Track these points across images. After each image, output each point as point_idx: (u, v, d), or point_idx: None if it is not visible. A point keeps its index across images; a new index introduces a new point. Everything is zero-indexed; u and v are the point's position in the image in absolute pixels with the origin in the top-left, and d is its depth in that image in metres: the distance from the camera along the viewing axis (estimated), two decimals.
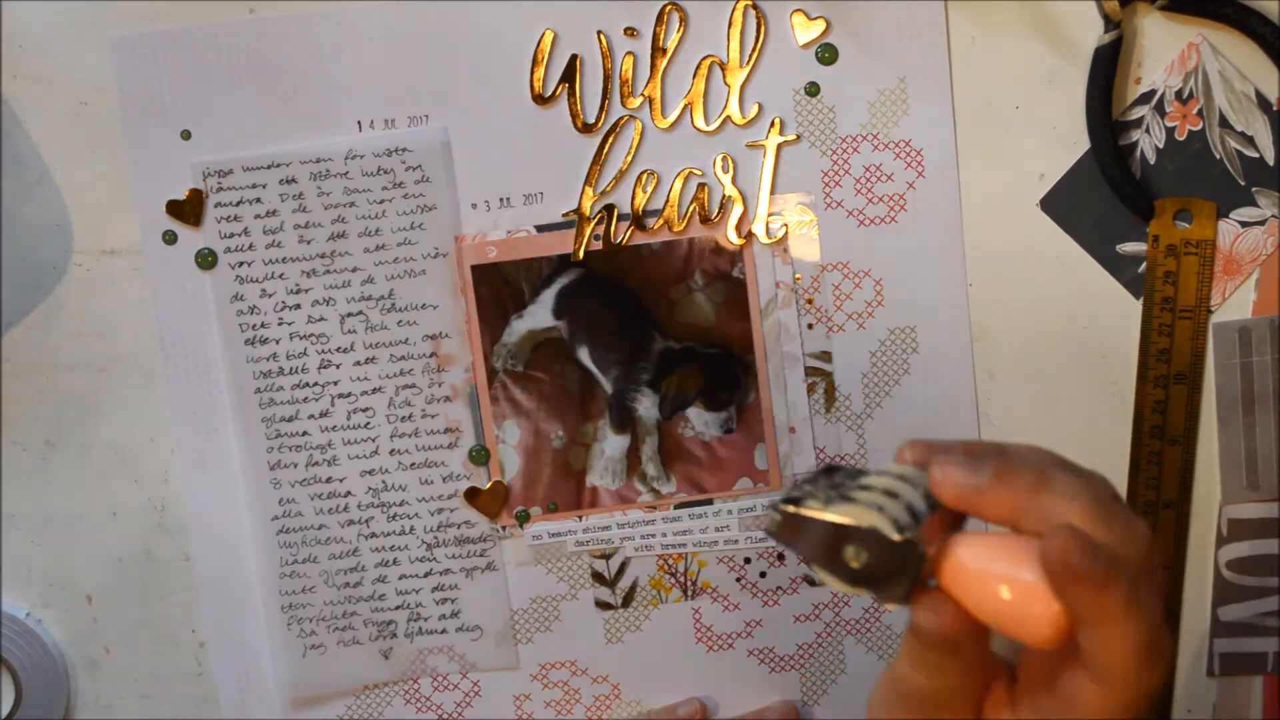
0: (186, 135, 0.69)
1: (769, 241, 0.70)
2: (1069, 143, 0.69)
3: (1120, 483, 0.71)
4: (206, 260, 0.70)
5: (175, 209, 0.70)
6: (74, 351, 0.72)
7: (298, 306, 0.71)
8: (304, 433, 0.72)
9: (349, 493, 0.72)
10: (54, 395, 0.73)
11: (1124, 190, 0.68)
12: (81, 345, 0.72)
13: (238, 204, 0.70)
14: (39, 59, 0.69)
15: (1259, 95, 0.68)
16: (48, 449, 0.73)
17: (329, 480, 0.72)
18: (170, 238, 0.70)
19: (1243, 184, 0.69)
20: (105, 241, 0.71)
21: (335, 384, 0.71)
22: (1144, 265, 0.70)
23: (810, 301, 0.71)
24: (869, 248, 0.70)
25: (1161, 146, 0.69)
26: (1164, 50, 0.68)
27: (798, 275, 0.70)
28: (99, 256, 0.71)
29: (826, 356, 0.71)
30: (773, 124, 0.68)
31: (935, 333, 0.71)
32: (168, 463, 0.73)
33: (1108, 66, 0.67)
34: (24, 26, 0.68)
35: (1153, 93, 0.68)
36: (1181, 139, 0.68)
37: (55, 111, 0.69)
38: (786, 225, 0.70)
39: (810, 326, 0.71)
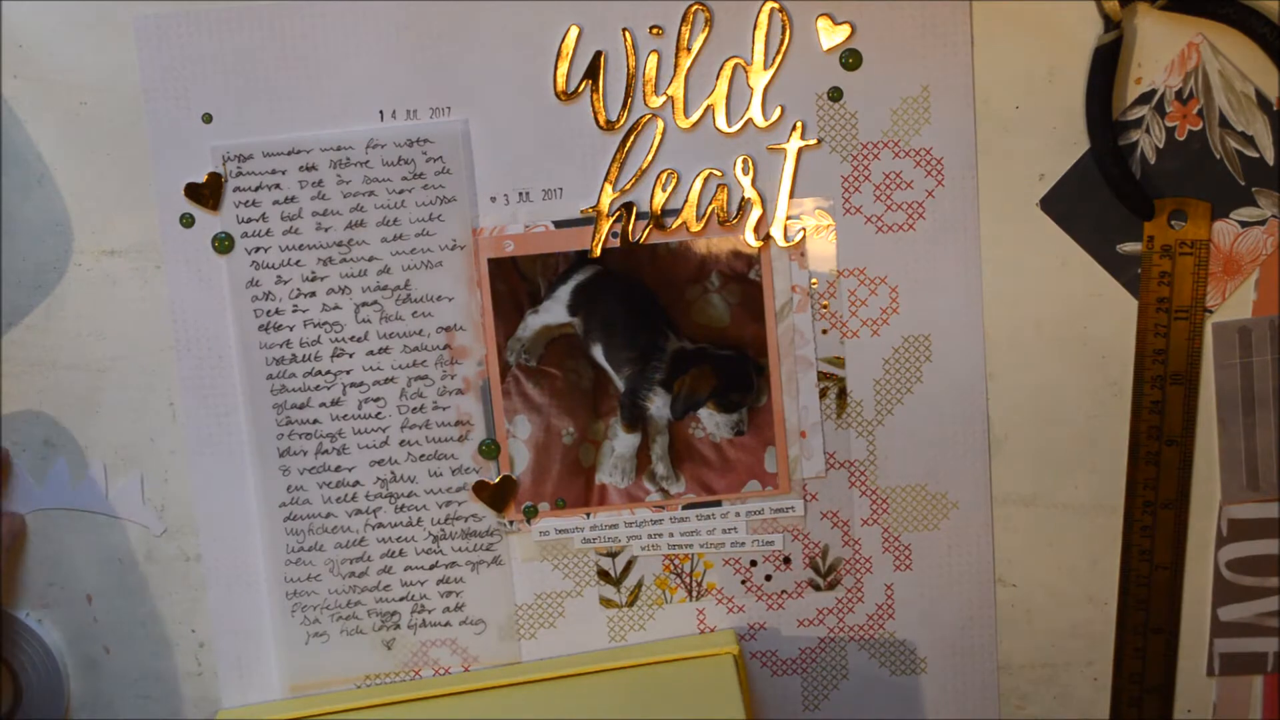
0: (208, 118, 0.69)
1: (786, 245, 0.71)
2: (1069, 143, 0.69)
3: (1119, 483, 0.73)
4: (223, 244, 0.70)
5: (193, 192, 0.70)
6: (74, 351, 0.71)
7: (313, 294, 0.70)
8: (314, 420, 0.71)
9: (358, 482, 0.72)
10: (54, 395, 0.72)
11: (1124, 190, 0.69)
12: (81, 345, 0.71)
13: (256, 189, 0.70)
14: (39, 59, 0.68)
15: (1259, 95, 0.69)
16: (48, 449, 0.72)
17: (338, 469, 0.72)
18: (187, 220, 0.70)
19: (1243, 184, 0.69)
20: (105, 241, 0.70)
21: (348, 373, 0.71)
22: None
23: (825, 306, 0.71)
24: (886, 255, 0.71)
25: (1161, 146, 0.69)
26: (1164, 50, 0.69)
27: (814, 280, 0.71)
28: (99, 256, 0.70)
29: (840, 362, 0.72)
30: (794, 128, 0.69)
31: (950, 342, 0.71)
32: (168, 463, 0.72)
33: (1108, 66, 0.67)
34: (24, 26, 0.68)
35: (1153, 93, 0.69)
36: (1181, 139, 0.69)
37: (55, 111, 0.69)
38: (804, 229, 0.70)
39: (825, 331, 0.72)
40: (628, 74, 0.69)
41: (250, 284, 0.70)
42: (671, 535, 0.73)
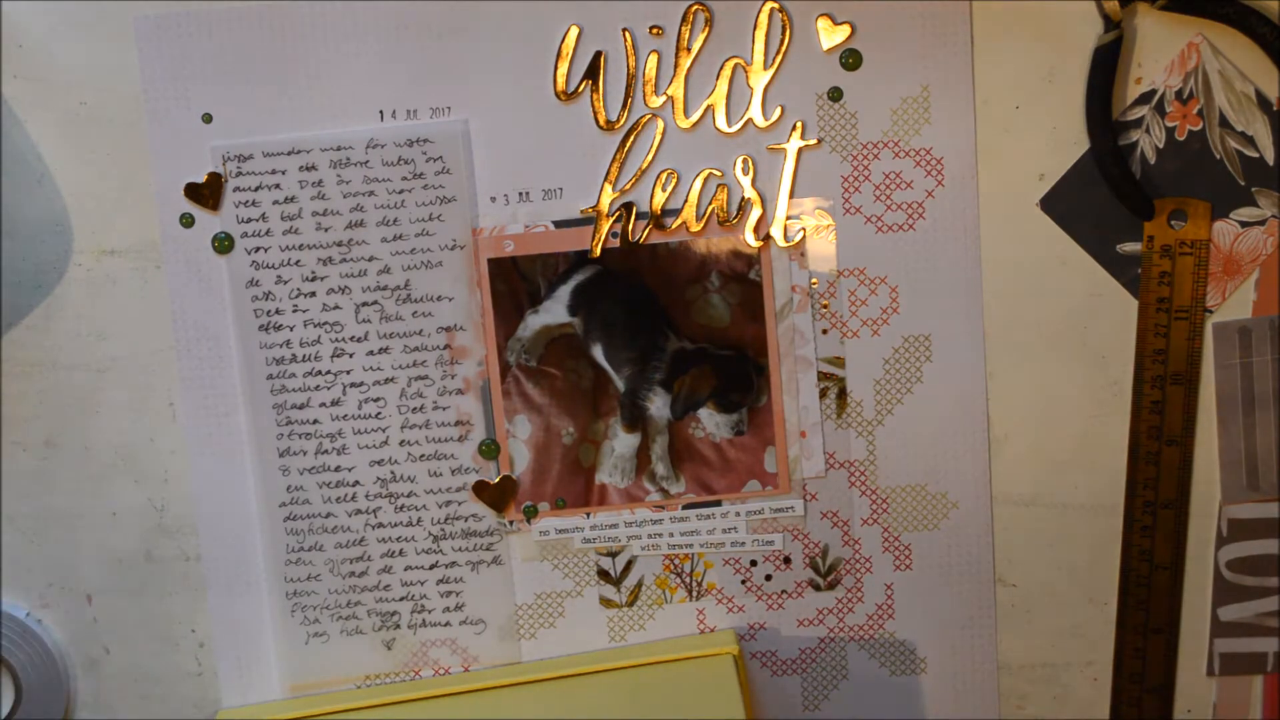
0: (208, 118, 0.69)
1: (786, 245, 0.71)
2: (1069, 143, 0.69)
3: (1119, 483, 0.73)
4: (223, 244, 0.70)
5: (194, 192, 0.70)
6: (74, 351, 0.71)
7: (313, 294, 0.71)
8: (314, 420, 0.71)
9: (357, 482, 0.72)
10: (54, 395, 0.72)
11: (1124, 190, 0.69)
12: (81, 345, 0.71)
13: (256, 189, 0.70)
14: (39, 59, 0.69)
15: (1259, 95, 0.69)
16: (48, 449, 0.72)
17: (338, 469, 0.72)
18: (188, 220, 0.70)
19: (1243, 184, 0.70)
20: (105, 241, 0.70)
21: (348, 373, 0.71)
22: None
23: (825, 306, 0.72)
24: (886, 254, 0.71)
25: (1161, 146, 0.69)
26: (1164, 50, 0.69)
27: (814, 279, 0.71)
28: (99, 256, 0.70)
29: (840, 362, 0.72)
30: (794, 128, 0.69)
31: (950, 342, 0.71)
32: (168, 463, 0.72)
33: (1108, 66, 0.67)
34: (24, 26, 0.68)
35: (1153, 93, 0.69)
36: (1181, 139, 0.69)
37: (55, 111, 0.69)
38: (804, 229, 0.71)
39: (825, 331, 0.72)
40: (628, 74, 0.69)
41: (250, 284, 0.70)
42: (671, 535, 0.73)
